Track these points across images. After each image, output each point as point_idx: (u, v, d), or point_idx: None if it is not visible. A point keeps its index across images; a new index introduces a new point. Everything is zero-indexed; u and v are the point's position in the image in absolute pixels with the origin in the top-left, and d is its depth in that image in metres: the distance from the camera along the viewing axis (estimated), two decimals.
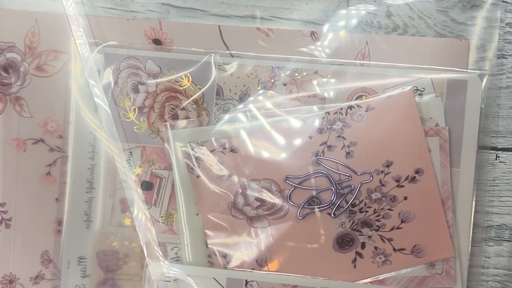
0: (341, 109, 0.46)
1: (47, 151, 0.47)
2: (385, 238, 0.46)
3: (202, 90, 0.47)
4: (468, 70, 0.46)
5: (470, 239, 0.47)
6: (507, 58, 0.48)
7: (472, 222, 0.47)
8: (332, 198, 0.46)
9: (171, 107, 0.47)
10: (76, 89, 0.47)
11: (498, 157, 0.49)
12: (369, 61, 0.46)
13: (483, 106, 0.46)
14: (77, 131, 0.47)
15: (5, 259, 0.47)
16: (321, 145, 0.46)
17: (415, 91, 0.46)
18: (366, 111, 0.46)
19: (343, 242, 0.47)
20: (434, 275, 0.46)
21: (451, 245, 0.46)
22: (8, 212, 0.47)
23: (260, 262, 0.46)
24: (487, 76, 0.46)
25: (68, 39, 0.47)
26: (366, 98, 0.46)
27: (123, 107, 0.47)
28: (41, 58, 0.47)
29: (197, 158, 0.46)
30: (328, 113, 0.46)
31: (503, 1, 0.47)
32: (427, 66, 0.46)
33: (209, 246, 0.46)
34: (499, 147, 0.48)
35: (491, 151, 0.48)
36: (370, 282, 0.46)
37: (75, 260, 0.47)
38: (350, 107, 0.46)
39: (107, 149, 0.47)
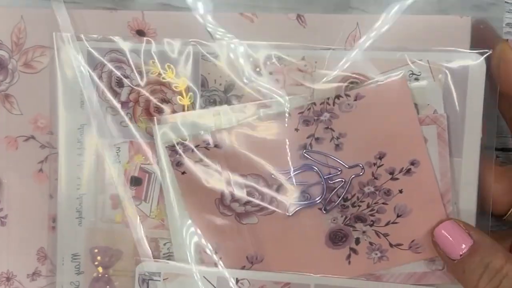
0: (328, 99, 0.43)
1: (38, 147, 0.47)
2: (381, 233, 0.44)
3: (187, 81, 0.45)
4: (470, 50, 0.42)
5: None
6: None
7: (476, 215, 0.43)
8: (322, 193, 0.44)
9: (156, 101, 0.45)
10: (62, 85, 0.46)
11: (498, 157, 0.47)
12: (361, 45, 0.43)
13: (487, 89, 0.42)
14: (65, 127, 0.46)
15: (1, 256, 0.47)
16: (308, 137, 0.44)
17: (411, 75, 0.43)
18: (355, 100, 0.43)
19: (336, 238, 0.44)
20: (434, 271, 0.44)
21: None
22: (3, 210, 0.47)
23: (251, 260, 0.45)
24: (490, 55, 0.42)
25: (52, 34, 0.46)
26: (358, 85, 0.43)
27: (108, 102, 0.46)
28: (28, 54, 0.46)
29: (181, 155, 0.45)
30: (314, 103, 0.43)
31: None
32: (423, 47, 0.42)
33: (198, 243, 0.45)
34: (498, 147, 0.45)
35: None
36: (366, 278, 0.44)
37: (69, 257, 0.47)
38: (338, 96, 0.43)
39: (95, 145, 0.46)
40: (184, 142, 0.44)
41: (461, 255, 0.39)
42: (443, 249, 0.40)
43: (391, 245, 0.44)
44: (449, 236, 0.40)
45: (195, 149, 0.44)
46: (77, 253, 0.47)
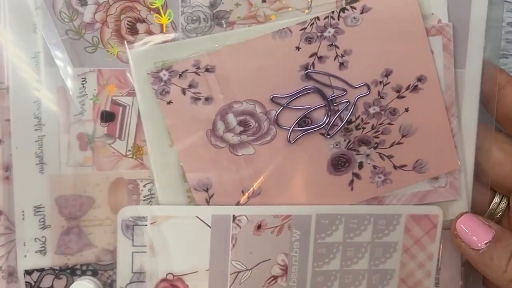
0: (333, 12, 0.39)
1: None
2: (385, 155, 0.41)
3: None
4: None
5: (475, 146, 0.42)
6: (508, 58, 0.46)
7: (477, 127, 0.42)
8: (325, 117, 0.40)
9: (128, 20, 0.39)
10: (8, 6, 0.38)
11: None
12: None
13: None
14: (15, 57, 0.38)
15: None
16: (310, 56, 0.40)
17: None
18: (361, 13, 0.39)
19: (339, 163, 0.41)
20: (437, 189, 0.42)
21: (456, 157, 0.42)
22: None
23: (247, 194, 0.41)
24: None
25: None
26: None
27: (68, 24, 0.38)
28: None
29: (166, 82, 0.39)
30: (317, 18, 0.39)
31: (504, 1, 0.42)
32: None
33: (187, 180, 0.40)
34: None
35: None
36: (368, 202, 0.42)
37: (30, 210, 0.40)
38: (343, 9, 0.39)
39: (54, 76, 0.39)
40: (170, 67, 0.38)
41: (486, 244, 0.39)
42: (465, 240, 0.40)
43: (395, 167, 0.42)
44: (471, 228, 0.41)
45: (182, 75, 0.39)
46: (40, 204, 0.40)
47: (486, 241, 0.40)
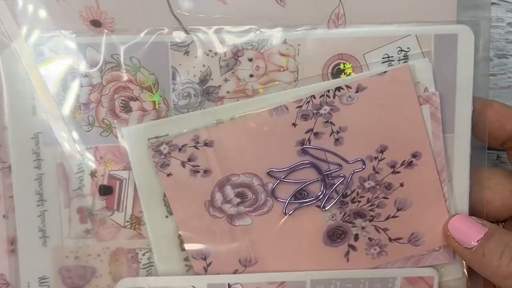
0: (328, 91, 0.40)
1: None
2: (380, 228, 0.42)
3: (155, 75, 0.40)
4: (458, 21, 0.40)
5: (469, 208, 0.42)
6: (508, 58, 0.46)
7: (469, 191, 0.42)
8: (321, 190, 0.41)
9: (122, 99, 0.40)
10: (9, 90, 0.40)
11: (499, 157, 0.46)
12: (345, 22, 0.40)
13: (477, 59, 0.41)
14: (16, 138, 0.40)
15: None
16: (306, 132, 0.40)
17: (399, 52, 0.40)
18: (357, 92, 0.40)
19: (334, 235, 0.42)
20: (431, 252, 0.42)
21: None
22: None
23: (244, 263, 0.41)
24: (479, 26, 0.40)
25: None
26: (345, 66, 0.40)
27: (65, 106, 0.40)
28: None
29: (166, 155, 0.40)
30: (313, 96, 0.40)
31: (504, 1, 0.43)
32: (411, 22, 0.40)
33: (186, 249, 0.41)
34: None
35: (492, 151, 0.45)
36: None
37: (35, 282, 0.42)
38: (338, 88, 0.40)
39: (54, 155, 0.41)
40: (170, 141, 0.40)
41: (478, 241, 0.39)
42: (458, 240, 0.40)
43: (390, 239, 0.42)
44: (463, 227, 0.40)
45: (182, 149, 0.40)
46: (44, 276, 0.42)
47: (478, 239, 0.39)
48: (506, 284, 0.38)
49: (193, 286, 0.41)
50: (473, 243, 0.39)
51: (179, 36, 0.40)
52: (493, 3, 0.43)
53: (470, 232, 0.40)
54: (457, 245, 0.40)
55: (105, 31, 0.39)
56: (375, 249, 0.42)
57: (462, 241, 0.40)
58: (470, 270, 0.43)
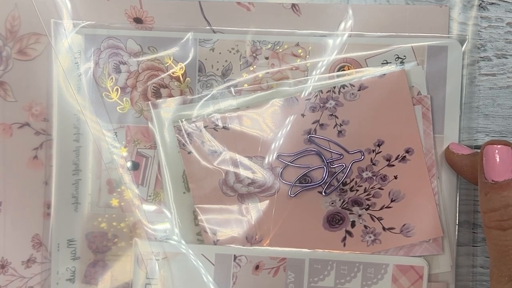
0: (334, 87, 0.46)
1: (33, 134, 0.47)
2: (375, 217, 0.46)
3: (184, 67, 0.46)
4: (448, 35, 0.46)
5: (457, 203, 0.46)
6: (507, 58, 0.47)
7: (458, 187, 0.46)
8: (324, 177, 0.46)
9: (153, 86, 0.47)
10: (58, 71, 0.47)
11: None
12: (351, 31, 0.46)
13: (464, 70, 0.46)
14: (61, 114, 0.47)
15: None
16: (313, 123, 0.46)
17: (396, 59, 0.46)
18: (359, 90, 0.46)
19: (333, 220, 0.46)
20: (421, 243, 0.46)
21: (440, 225, 0.46)
22: None
23: (250, 239, 0.46)
24: (467, 41, 0.46)
25: (48, 22, 0.46)
26: (349, 69, 0.46)
27: (105, 88, 0.47)
28: (22, 41, 0.47)
29: (189, 134, 0.46)
30: (321, 91, 0.46)
31: (503, 1, 0.47)
32: (408, 34, 0.46)
33: (199, 223, 0.46)
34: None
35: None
36: None
37: (64, 243, 0.47)
38: (343, 85, 0.46)
39: (91, 130, 0.47)
40: (193, 123, 0.46)
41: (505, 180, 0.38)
42: (486, 165, 0.39)
43: (384, 228, 0.46)
44: (500, 157, 0.39)
45: (203, 129, 0.46)
46: (73, 238, 0.47)
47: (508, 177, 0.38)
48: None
49: (202, 255, 0.46)
50: (498, 177, 0.38)
51: (207, 35, 0.46)
52: (492, 3, 0.47)
53: (506, 166, 0.39)
54: (480, 168, 0.40)
55: (146, 26, 0.46)
56: (370, 237, 0.46)
57: (491, 168, 0.39)
58: (458, 263, 0.46)
